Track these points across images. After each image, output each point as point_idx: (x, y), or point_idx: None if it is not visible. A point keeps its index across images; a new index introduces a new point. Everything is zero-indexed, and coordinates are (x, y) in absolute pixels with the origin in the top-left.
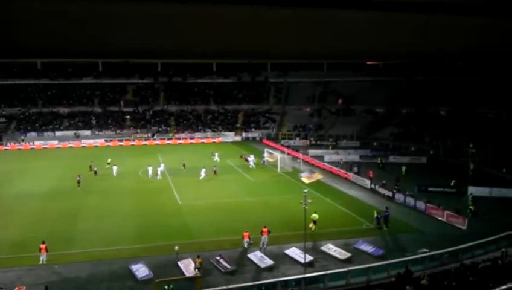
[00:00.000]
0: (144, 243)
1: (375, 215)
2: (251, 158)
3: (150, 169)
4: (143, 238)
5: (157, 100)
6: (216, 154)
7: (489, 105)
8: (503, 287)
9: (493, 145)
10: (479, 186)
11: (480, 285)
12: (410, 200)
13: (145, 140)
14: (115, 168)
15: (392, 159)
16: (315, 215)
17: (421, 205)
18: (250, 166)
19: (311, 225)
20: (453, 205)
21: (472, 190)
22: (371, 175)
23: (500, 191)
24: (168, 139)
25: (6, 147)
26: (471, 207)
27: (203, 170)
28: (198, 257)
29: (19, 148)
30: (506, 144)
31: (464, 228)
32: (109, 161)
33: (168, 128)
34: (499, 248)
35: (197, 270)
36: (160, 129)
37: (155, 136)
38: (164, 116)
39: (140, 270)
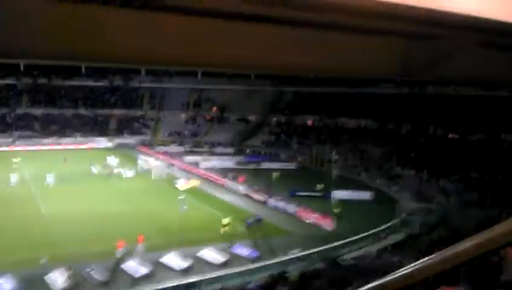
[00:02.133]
0: (8, 256)
1: (246, 220)
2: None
3: (12, 177)
4: (6, 251)
5: (19, 103)
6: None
7: (350, 116)
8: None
9: (353, 152)
10: (342, 190)
11: (346, 282)
12: (281, 205)
13: (6, 146)
14: None
15: (264, 165)
16: (225, 220)
17: (291, 208)
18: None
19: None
20: (320, 208)
21: (336, 194)
22: (241, 180)
23: (359, 194)
24: (33, 145)
25: None
26: (335, 210)
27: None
28: (69, 268)
29: None
30: (365, 151)
31: (330, 229)
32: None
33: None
34: (361, 246)
35: (69, 281)
36: (23, 134)
37: (16, 142)
38: (28, 120)
39: (5, 285)
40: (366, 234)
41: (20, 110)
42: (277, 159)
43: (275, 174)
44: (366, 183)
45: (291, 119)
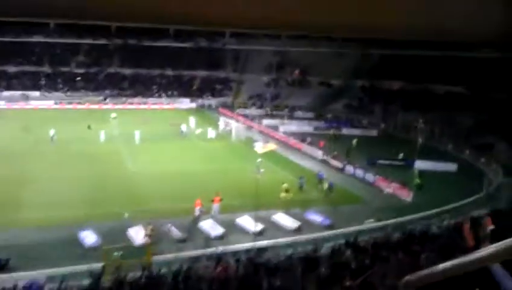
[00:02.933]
0: (93, 210)
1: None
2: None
3: (102, 133)
4: (92, 205)
5: (110, 62)
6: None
7: (440, 81)
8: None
9: (442, 121)
10: (425, 160)
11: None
12: (359, 172)
13: (97, 103)
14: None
15: (344, 131)
16: (285, 185)
17: (369, 177)
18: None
19: (282, 195)
20: (401, 178)
21: (419, 164)
22: (321, 145)
23: (445, 165)
24: (121, 103)
25: None
26: (417, 180)
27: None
28: (149, 224)
29: None
30: (454, 120)
31: (409, 200)
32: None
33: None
34: (442, 220)
35: (147, 237)
36: (112, 93)
37: (107, 100)
38: (117, 79)
39: (89, 237)
40: (446, 207)
41: (110, 70)
42: (358, 126)
43: (355, 141)
44: (452, 153)
45: (376, 84)
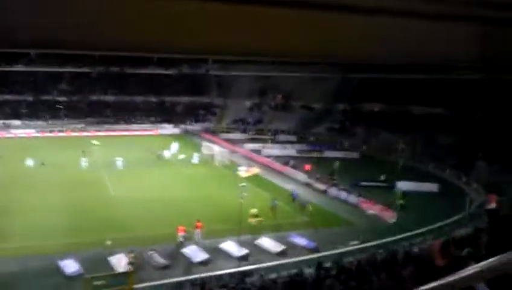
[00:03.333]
0: (75, 238)
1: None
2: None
3: (83, 160)
4: (74, 233)
5: (93, 90)
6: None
7: (420, 103)
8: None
9: (422, 142)
10: (407, 181)
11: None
12: (342, 194)
13: (79, 131)
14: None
15: (326, 154)
16: (254, 210)
17: (352, 198)
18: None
19: (250, 220)
20: (383, 199)
21: (401, 185)
22: (306, 168)
23: (427, 185)
24: (104, 130)
25: None
26: (399, 201)
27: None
28: (131, 251)
29: None
30: (434, 141)
31: (393, 221)
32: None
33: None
34: (425, 239)
35: (129, 265)
36: (96, 120)
37: (89, 127)
38: (100, 106)
39: (69, 266)
40: (429, 227)
41: (93, 97)
42: (340, 148)
43: (337, 163)
44: (433, 173)
45: (356, 107)
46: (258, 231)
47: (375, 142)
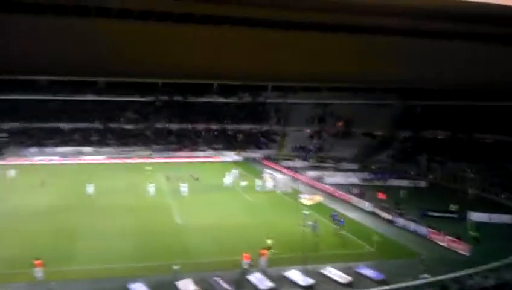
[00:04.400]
0: (143, 263)
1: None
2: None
3: (150, 187)
4: (142, 257)
5: (158, 118)
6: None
7: (486, 130)
8: None
9: (492, 170)
10: (479, 212)
11: None
12: (410, 224)
13: (145, 157)
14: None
15: (391, 182)
16: (269, 241)
17: (421, 229)
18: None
19: (263, 251)
20: (454, 231)
21: (472, 216)
22: (380, 197)
23: (500, 217)
24: (169, 157)
25: (8, 162)
26: (472, 233)
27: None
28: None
29: (21, 163)
30: (505, 169)
31: (466, 253)
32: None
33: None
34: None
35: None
36: (161, 147)
37: (154, 154)
38: (165, 134)
39: (139, 289)
40: (505, 261)
41: (158, 125)
42: (405, 176)
43: (403, 192)
44: (506, 204)
45: (420, 134)
46: (323, 260)
47: (440, 171)
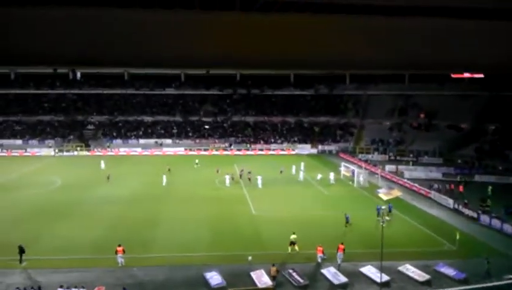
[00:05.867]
0: (218, 251)
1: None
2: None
3: (227, 178)
4: (217, 247)
5: (235, 111)
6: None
7: None
8: None
9: None
10: None
11: None
12: (496, 223)
13: (223, 150)
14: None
15: (477, 178)
16: (294, 237)
17: (508, 228)
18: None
19: (290, 246)
20: None
21: None
22: (461, 189)
23: None
24: (245, 149)
25: (97, 153)
26: None
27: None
28: (273, 265)
29: (107, 154)
30: None
31: None
32: (197, 161)
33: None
34: None
35: (272, 279)
36: (237, 140)
37: (232, 146)
38: (241, 126)
39: (214, 278)
40: None
41: (235, 118)
42: (492, 172)
43: (489, 188)
44: None
45: (509, 126)
46: (400, 257)
47: None
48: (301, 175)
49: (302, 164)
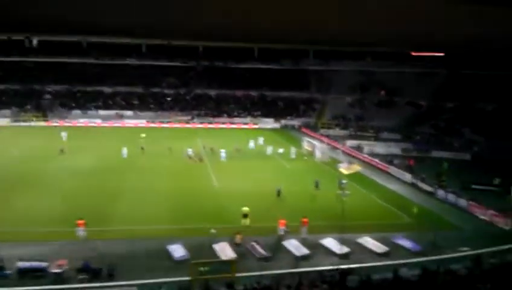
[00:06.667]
0: (181, 224)
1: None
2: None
3: (189, 151)
4: (180, 219)
5: (198, 83)
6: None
7: None
8: None
9: None
10: None
11: None
12: (451, 197)
13: (185, 123)
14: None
15: (434, 154)
16: (245, 209)
17: (463, 202)
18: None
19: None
20: (497, 205)
21: None
22: (411, 163)
23: None
24: (208, 123)
25: (54, 123)
26: None
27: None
28: (238, 233)
29: (64, 125)
30: None
31: (508, 228)
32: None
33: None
34: None
35: (236, 246)
36: (200, 113)
37: (194, 119)
38: (204, 99)
39: (177, 251)
40: None
41: (198, 91)
42: (448, 148)
43: (445, 164)
44: None
45: (468, 105)
46: (360, 229)
47: (485, 144)
48: (251, 146)
49: (261, 138)
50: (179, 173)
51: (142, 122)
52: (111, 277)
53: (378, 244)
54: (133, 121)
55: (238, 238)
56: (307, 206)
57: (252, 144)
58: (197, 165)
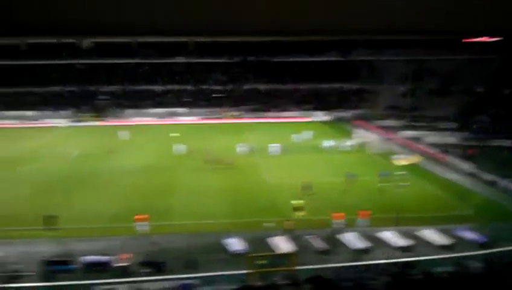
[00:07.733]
0: (236, 219)
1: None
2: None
3: (239, 147)
4: (235, 214)
5: (246, 79)
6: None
7: None
8: None
9: None
10: None
11: None
12: None
13: (235, 118)
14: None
15: (494, 142)
16: (298, 202)
17: None
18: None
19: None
20: None
21: None
22: (471, 152)
23: None
24: (258, 117)
25: (111, 123)
26: None
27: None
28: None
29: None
30: None
31: None
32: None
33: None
34: None
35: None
36: (250, 108)
37: (244, 114)
38: (254, 94)
39: (234, 245)
40: None
41: (246, 86)
42: (510, 136)
43: (507, 153)
44: None
45: None
46: (418, 222)
47: None
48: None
49: (312, 132)
50: (232, 169)
51: (194, 119)
52: (172, 270)
53: (440, 237)
54: (185, 118)
55: (288, 225)
56: (361, 199)
57: (303, 136)
58: (249, 159)
